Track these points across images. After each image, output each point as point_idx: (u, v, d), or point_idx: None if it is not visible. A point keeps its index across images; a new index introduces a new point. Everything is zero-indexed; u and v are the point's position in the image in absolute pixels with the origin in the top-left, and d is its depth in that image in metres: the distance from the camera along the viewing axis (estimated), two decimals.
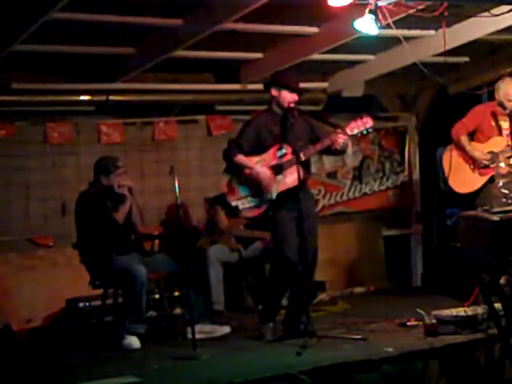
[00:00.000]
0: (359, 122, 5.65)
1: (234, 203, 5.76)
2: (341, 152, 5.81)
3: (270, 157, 5.71)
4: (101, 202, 6.02)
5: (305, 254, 5.53)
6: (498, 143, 6.57)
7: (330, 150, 5.77)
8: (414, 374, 4.90)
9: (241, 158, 5.72)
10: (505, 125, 6.59)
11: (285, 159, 5.70)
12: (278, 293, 5.86)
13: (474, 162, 6.62)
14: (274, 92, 5.77)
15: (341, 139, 5.61)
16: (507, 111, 6.39)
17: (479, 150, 6.57)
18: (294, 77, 5.97)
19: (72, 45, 6.57)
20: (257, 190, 5.70)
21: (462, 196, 6.67)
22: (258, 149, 5.75)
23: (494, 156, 6.51)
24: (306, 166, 5.76)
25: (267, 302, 5.91)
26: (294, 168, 5.56)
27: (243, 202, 5.73)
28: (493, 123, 6.67)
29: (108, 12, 5.84)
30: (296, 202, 5.51)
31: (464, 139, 6.64)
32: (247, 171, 5.70)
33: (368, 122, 5.65)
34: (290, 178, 5.63)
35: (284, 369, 4.59)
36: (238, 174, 5.76)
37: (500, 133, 6.60)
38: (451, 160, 6.65)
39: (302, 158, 5.59)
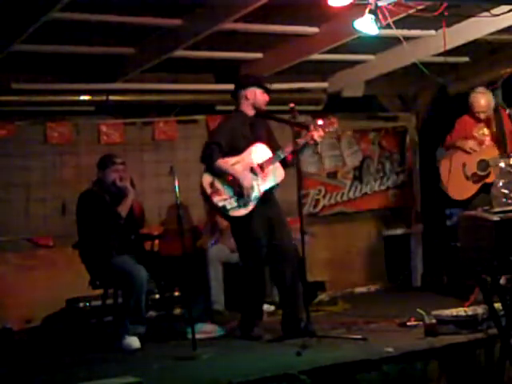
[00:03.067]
0: (327, 122, 5.76)
1: (220, 204, 5.73)
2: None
3: (249, 157, 5.74)
4: (102, 198, 6.05)
5: (284, 253, 5.64)
6: (489, 151, 6.63)
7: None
8: (413, 374, 4.90)
9: (221, 164, 5.70)
10: (485, 132, 6.71)
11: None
12: (256, 297, 5.85)
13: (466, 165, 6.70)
14: (249, 94, 5.82)
15: (316, 134, 5.70)
16: (482, 117, 6.69)
17: (471, 140, 6.70)
18: (265, 78, 6.06)
19: (72, 45, 6.57)
20: (241, 191, 5.71)
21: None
22: (231, 151, 5.75)
23: (485, 165, 6.58)
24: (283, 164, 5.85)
25: (246, 309, 5.87)
26: (275, 166, 5.69)
27: (230, 202, 5.73)
28: (475, 133, 6.79)
29: (108, 12, 5.84)
30: (266, 202, 5.64)
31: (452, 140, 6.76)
32: (229, 177, 5.71)
33: (334, 123, 5.77)
34: (271, 176, 5.71)
35: (284, 369, 4.59)
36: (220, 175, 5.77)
37: (483, 141, 6.71)
38: (450, 166, 6.71)
39: (283, 155, 5.69)
